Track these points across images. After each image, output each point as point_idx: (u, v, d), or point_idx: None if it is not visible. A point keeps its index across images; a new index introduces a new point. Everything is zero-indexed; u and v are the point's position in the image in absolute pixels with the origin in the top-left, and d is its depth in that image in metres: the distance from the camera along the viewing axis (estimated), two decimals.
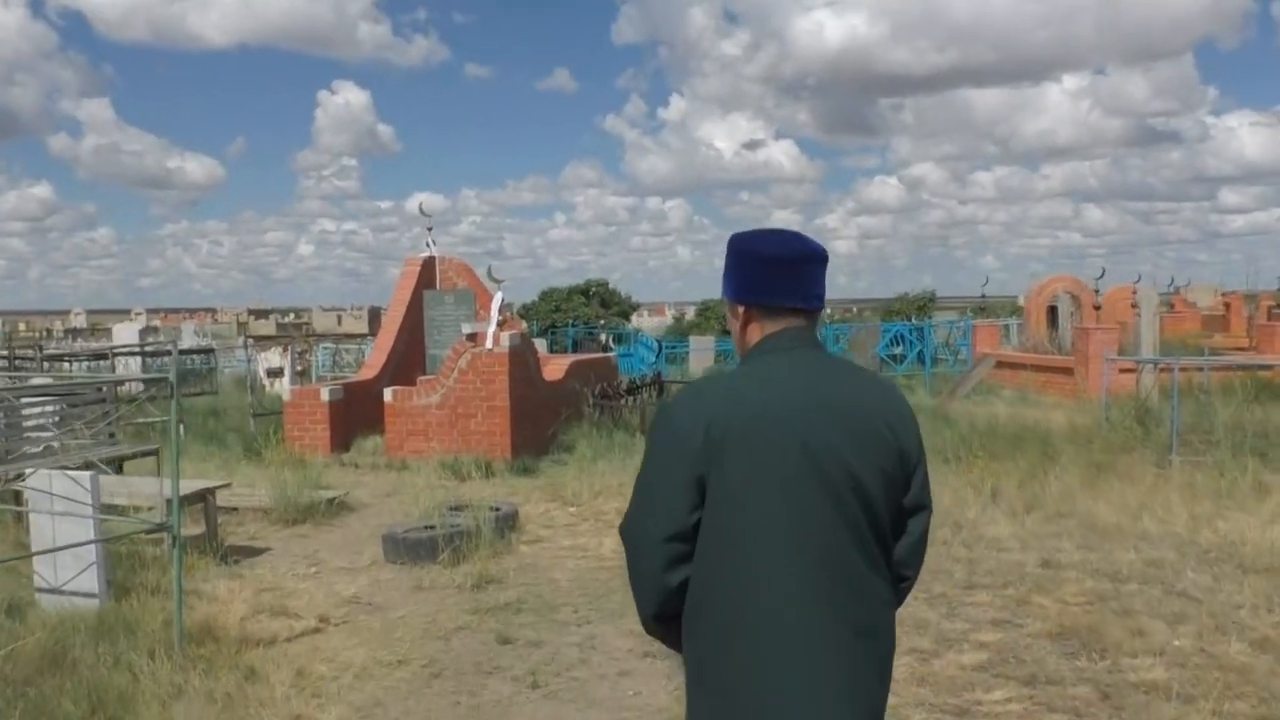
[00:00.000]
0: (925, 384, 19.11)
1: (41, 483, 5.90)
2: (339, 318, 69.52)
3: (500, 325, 12.22)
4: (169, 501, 6.29)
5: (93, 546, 5.80)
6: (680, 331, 29.62)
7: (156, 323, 69.97)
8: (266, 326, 63.57)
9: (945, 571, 6.87)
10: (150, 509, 7.53)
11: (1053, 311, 21.61)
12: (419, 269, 14.87)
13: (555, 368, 13.04)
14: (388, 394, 12.03)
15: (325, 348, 22.41)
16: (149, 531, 6.15)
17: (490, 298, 15.46)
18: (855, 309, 61.24)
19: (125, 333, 21.20)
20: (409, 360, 14.19)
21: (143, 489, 7.47)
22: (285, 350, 14.87)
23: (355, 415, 12.63)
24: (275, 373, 15.90)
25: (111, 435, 10.11)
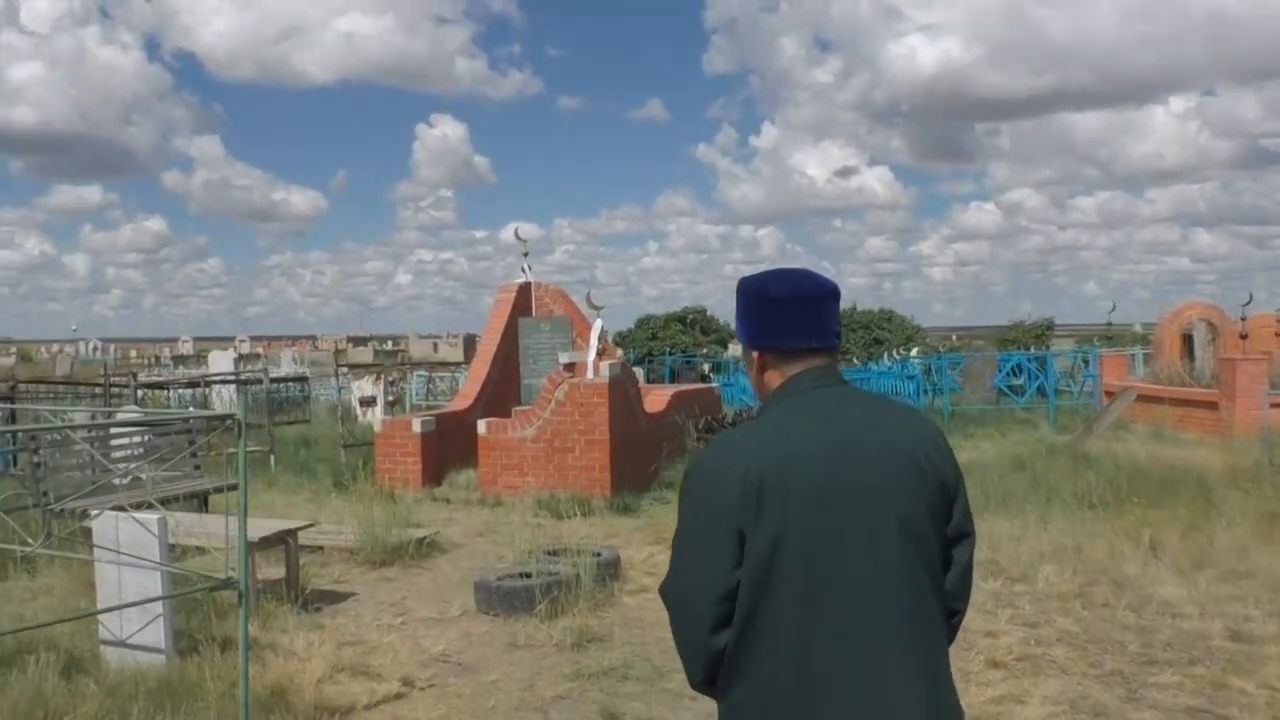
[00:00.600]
0: (1049, 418, 17.90)
1: (107, 527, 5.42)
2: (435, 345, 70.16)
3: (599, 354, 11.61)
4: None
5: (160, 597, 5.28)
6: None
7: (260, 350, 71.70)
8: (365, 354, 64.47)
9: (1116, 642, 5.95)
10: (225, 550, 7.05)
11: (1186, 340, 20.16)
12: (514, 295, 14.39)
13: (656, 399, 12.37)
14: (481, 426, 11.51)
15: (420, 375, 22.15)
16: (213, 589, 5.60)
17: (588, 325, 14.92)
18: (954, 337, 59.26)
19: (221, 360, 21.20)
20: (504, 390, 13.68)
21: (220, 529, 6.99)
22: (378, 379, 14.49)
23: (448, 447, 12.14)
24: (368, 402, 15.58)
25: (196, 468, 9.76)
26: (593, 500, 10.79)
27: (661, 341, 29.04)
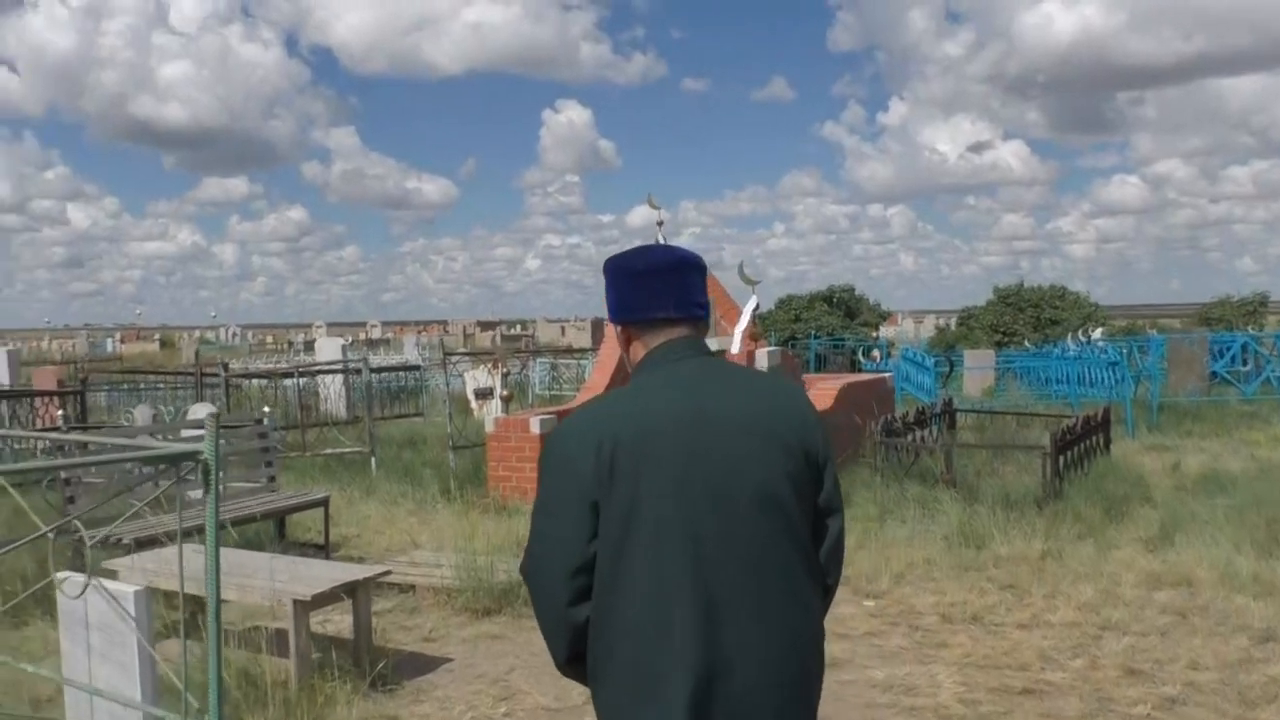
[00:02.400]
0: None
1: (73, 603, 3.71)
2: (562, 329, 69.21)
3: (752, 338, 9.61)
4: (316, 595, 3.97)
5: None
6: (946, 344, 25.95)
7: (390, 335, 71.97)
8: (493, 338, 63.87)
9: None
10: (270, 608, 5.32)
11: None
12: None
13: (820, 393, 10.28)
14: None
15: (543, 362, 20.51)
16: None
17: (735, 307, 12.92)
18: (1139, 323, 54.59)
19: (328, 348, 19.94)
20: None
21: (259, 572, 5.25)
22: (494, 366, 12.78)
23: None
24: (484, 394, 13.93)
25: (271, 480, 8.15)
26: None
27: (805, 324, 26.78)
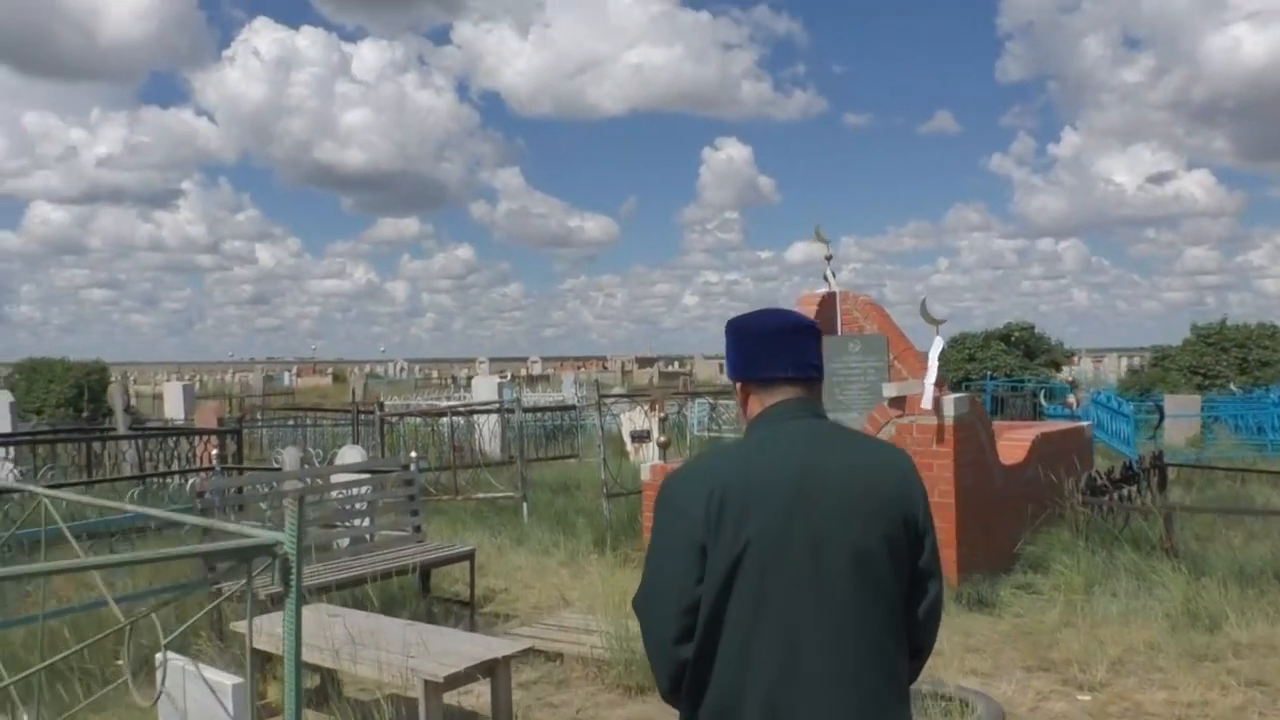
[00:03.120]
0: None
1: (173, 683, 3.25)
2: (720, 366, 68.41)
3: (936, 383, 8.73)
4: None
5: None
6: (1141, 387, 23.93)
7: (550, 370, 72.77)
8: (650, 375, 63.69)
9: None
10: (403, 692, 4.81)
11: None
12: (815, 310, 11.68)
13: (1011, 445, 9.27)
14: None
15: (702, 403, 19.83)
16: None
17: (910, 346, 11.98)
18: None
19: (484, 386, 19.77)
20: None
21: (392, 642, 4.73)
22: (652, 408, 12.22)
23: None
24: (640, 437, 13.40)
25: (418, 529, 7.75)
26: None
27: (980, 363, 25.28)
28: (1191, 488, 12.44)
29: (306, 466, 8.81)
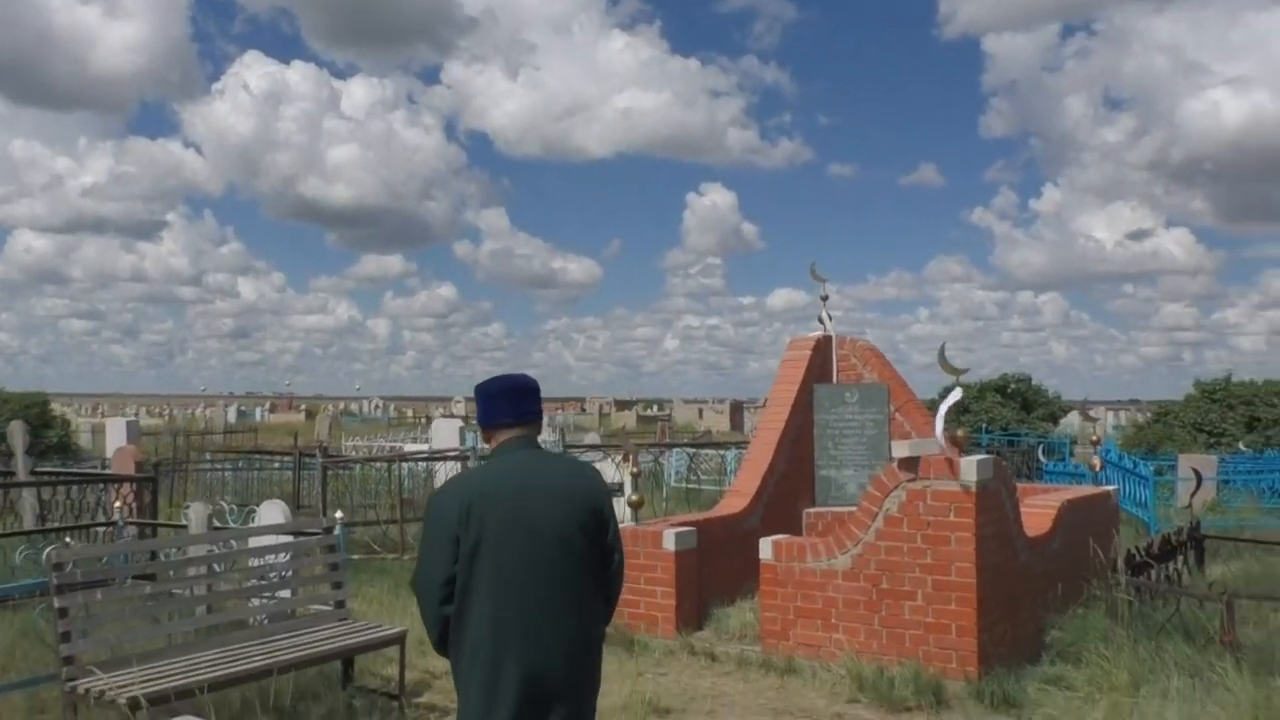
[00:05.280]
0: None
1: None
2: (700, 410, 67.17)
3: (951, 439, 7.67)
4: None
5: None
6: (1148, 445, 22.86)
7: None
8: (629, 418, 62.39)
9: None
10: None
11: None
12: (809, 354, 10.63)
13: (1034, 513, 8.17)
14: (766, 547, 7.76)
15: (681, 453, 18.66)
16: None
17: (912, 398, 10.90)
18: None
19: (445, 429, 18.48)
20: (791, 483, 9.93)
21: None
22: (625, 459, 11.03)
23: (714, 569, 8.51)
24: (613, 490, 12.23)
25: (340, 605, 6.56)
26: (946, 680, 6.80)
27: (975, 415, 24.25)
28: (1216, 558, 11.36)
29: (217, 527, 7.60)
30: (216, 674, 5.45)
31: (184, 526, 7.61)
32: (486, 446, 3.49)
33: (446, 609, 3.23)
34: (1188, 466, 15.77)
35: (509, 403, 3.43)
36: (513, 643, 3.17)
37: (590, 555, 3.32)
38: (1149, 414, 27.69)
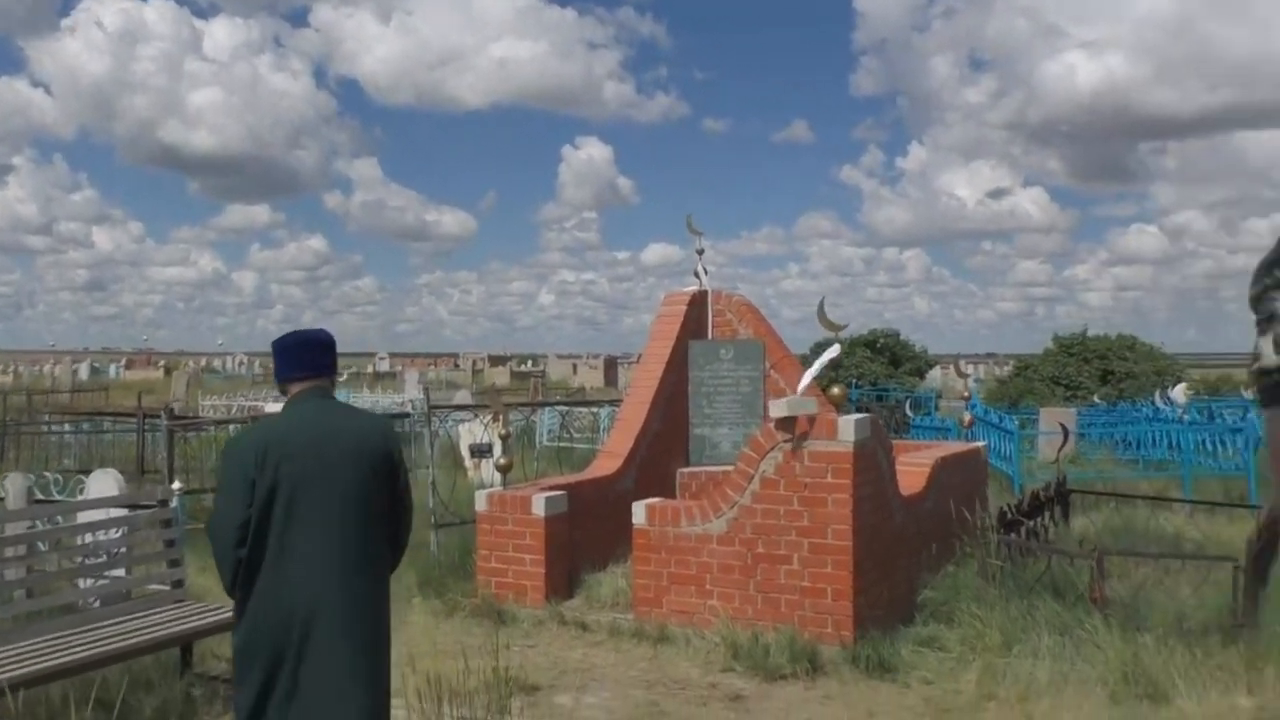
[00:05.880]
0: None
1: None
2: (574, 366, 66.79)
3: (820, 390, 7.53)
4: None
5: None
6: (1010, 398, 23.47)
7: (398, 367, 69.69)
8: (503, 374, 61.51)
9: None
10: None
11: None
12: (684, 309, 10.33)
13: (908, 471, 8.10)
14: (639, 511, 7.47)
15: (553, 411, 18.28)
16: None
17: (789, 355, 10.75)
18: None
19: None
20: (666, 443, 9.66)
21: None
22: (495, 419, 10.60)
23: (586, 534, 8.19)
24: (481, 451, 11.78)
25: (178, 585, 6.01)
26: (822, 645, 6.64)
27: (846, 370, 24.52)
28: (1078, 510, 11.61)
29: (39, 500, 6.90)
30: (29, 669, 4.88)
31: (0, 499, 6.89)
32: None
33: (241, 551, 3.39)
34: (1053, 421, 16.17)
35: (305, 356, 3.65)
36: (302, 583, 3.40)
37: (380, 501, 3.61)
38: (1007, 368, 28.59)
